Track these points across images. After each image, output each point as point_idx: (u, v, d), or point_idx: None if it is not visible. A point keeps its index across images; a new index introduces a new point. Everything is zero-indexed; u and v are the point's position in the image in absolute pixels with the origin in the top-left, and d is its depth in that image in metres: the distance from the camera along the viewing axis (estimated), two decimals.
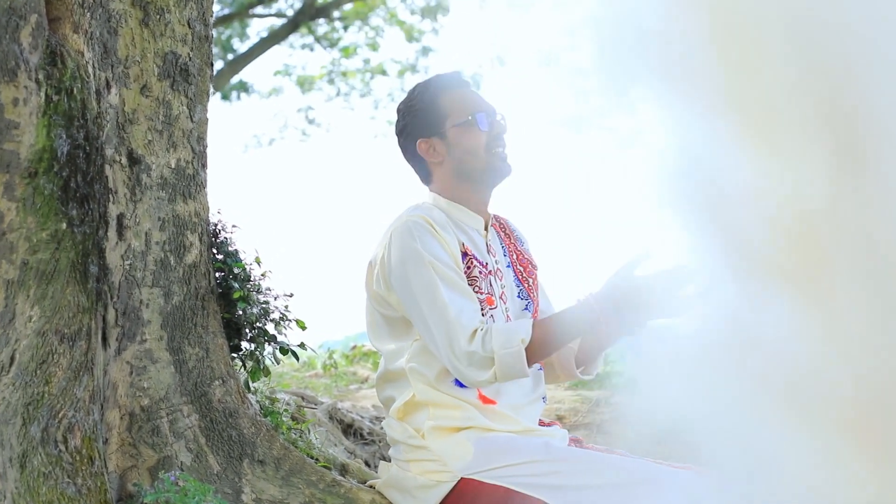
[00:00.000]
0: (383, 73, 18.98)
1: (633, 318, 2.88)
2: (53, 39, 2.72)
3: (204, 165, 3.28)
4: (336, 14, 17.91)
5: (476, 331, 2.95)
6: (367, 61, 18.89)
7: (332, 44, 18.46)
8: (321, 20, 17.86)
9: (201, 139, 3.27)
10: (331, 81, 19.01)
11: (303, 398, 4.58)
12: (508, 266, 3.34)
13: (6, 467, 2.58)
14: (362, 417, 4.68)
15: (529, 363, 2.94)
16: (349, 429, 4.58)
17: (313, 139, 20.20)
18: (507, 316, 3.22)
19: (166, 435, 3.06)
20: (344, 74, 19.01)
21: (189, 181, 3.22)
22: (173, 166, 3.18)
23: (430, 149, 3.24)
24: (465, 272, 3.12)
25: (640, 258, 2.89)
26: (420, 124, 3.24)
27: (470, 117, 3.19)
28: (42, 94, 2.67)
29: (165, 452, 3.04)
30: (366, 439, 4.56)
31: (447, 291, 2.99)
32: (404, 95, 3.33)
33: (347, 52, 18.61)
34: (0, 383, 2.60)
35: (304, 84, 18.90)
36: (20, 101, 2.62)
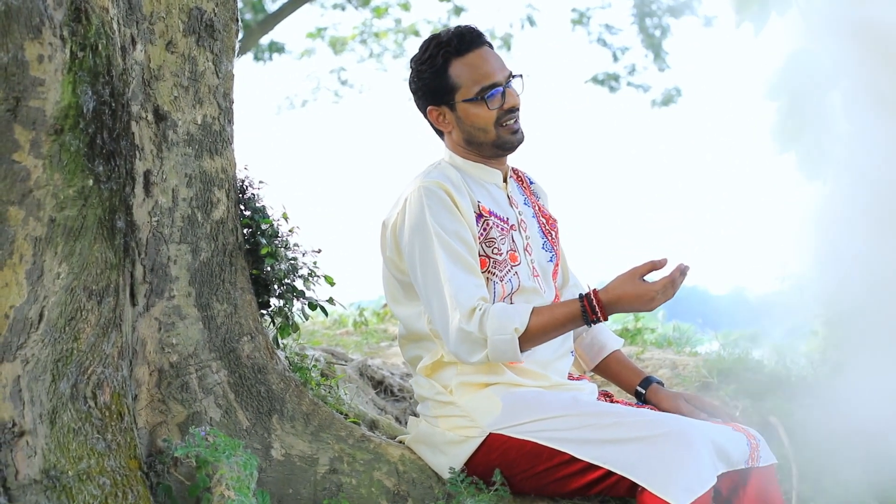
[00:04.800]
0: (416, 33, 18.85)
1: (622, 311, 3.01)
2: None
3: (230, 121, 3.27)
4: None
5: (474, 310, 2.95)
6: (398, 21, 18.79)
7: (364, 3, 18.36)
8: None
9: (227, 95, 3.25)
10: (363, 42, 18.92)
11: (333, 355, 4.59)
12: (532, 216, 3.32)
13: (37, 423, 2.60)
14: (392, 374, 4.68)
15: (524, 349, 2.96)
16: (379, 385, 4.58)
17: (346, 101, 20.14)
18: (533, 268, 3.21)
19: (195, 391, 3.07)
20: (376, 35, 18.92)
21: (216, 137, 3.21)
22: (199, 122, 3.17)
23: (441, 117, 3.21)
24: (482, 235, 3.10)
25: (651, 266, 2.91)
26: (430, 92, 3.21)
27: (479, 97, 3.14)
28: (67, 51, 2.66)
29: (194, 408, 3.06)
30: (396, 396, 4.57)
31: (450, 266, 2.98)
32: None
33: (379, 12, 18.50)
34: (29, 340, 2.61)
35: (337, 45, 18.82)
36: (45, 58, 2.61)
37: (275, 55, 17.62)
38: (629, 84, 18.51)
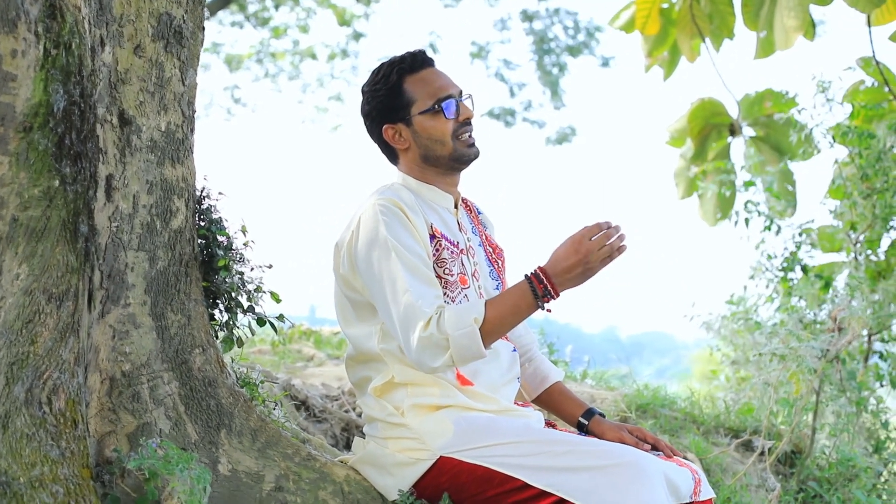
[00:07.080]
0: (313, 56, 18.85)
1: (578, 282, 2.94)
2: None
3: (192, 130, 3.22)
4: None
5: (432, 317, 2.94)
6: (296, 43, 18.76)
7: (263, 23, 18.29)
8: None
9: (191, 104, 3.21)
10: (259, 61, 18.85)
11: (261, 373, 4.53)
12: (479, 245, 3.35)
13: None
14: (314, 395, 4.66)
15: (485, 343, 2.94)
16: (301, 406, 4.55)
17: (238, 119, 20.04)
18: (480, 294, 3.23)
19: (146, 401, 3.01)
20: (273, 55, 18.85)
21: (178, 145, 3.16)
22: (163, 129, 3.12)
23: (396, 135, 3.22)
24: (434, 255, 3.11)
25: (591, 229, 2.90)
26: (385, 110, 3.22)
27: (436, 106, 3.18)
28: (41, 48, 2.61)
29: (145, 419, 2.99)
30: (318, 417, 4.54)
31: (409, 278, 2.98)
32: (367, 76, 3.31)
33: (277, 32, 18.45)
34: None
35: (232, 63, 18.71)
36: (19, 53, 2.56)
37: None
38: (524, 120, 18.76)
